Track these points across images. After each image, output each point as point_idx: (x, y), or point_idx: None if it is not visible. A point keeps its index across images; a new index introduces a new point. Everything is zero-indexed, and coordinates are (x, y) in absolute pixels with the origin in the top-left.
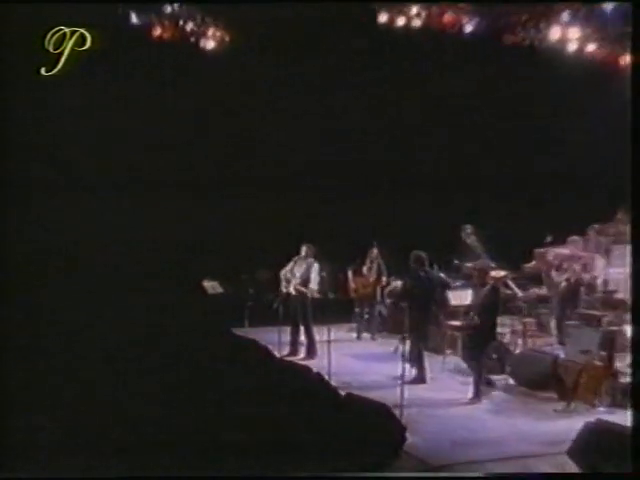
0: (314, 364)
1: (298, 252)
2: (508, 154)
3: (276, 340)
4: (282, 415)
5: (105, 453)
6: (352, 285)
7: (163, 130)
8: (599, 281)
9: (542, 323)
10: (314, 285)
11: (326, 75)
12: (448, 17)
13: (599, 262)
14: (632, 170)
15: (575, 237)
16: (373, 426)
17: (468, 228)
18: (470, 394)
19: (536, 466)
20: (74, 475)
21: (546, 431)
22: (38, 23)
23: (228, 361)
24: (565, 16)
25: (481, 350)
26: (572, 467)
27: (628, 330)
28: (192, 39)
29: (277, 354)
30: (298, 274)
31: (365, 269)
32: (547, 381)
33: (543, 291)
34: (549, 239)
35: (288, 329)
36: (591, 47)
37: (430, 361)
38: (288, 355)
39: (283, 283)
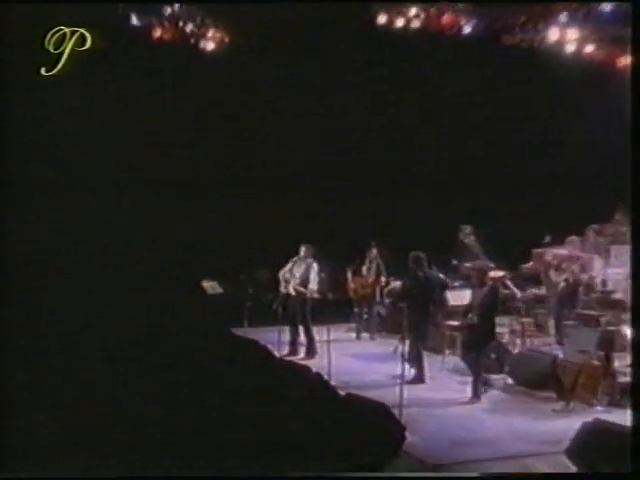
0: (313, 364)
1: (297, 252)
2: (506, 155)
3: (275, 340)
4: (282, 415)
5: (105, 453)
6: (351, 285)
7: (163, 130)
8: (597, 281)
9: (540, 323)
10: (313, 285)
11: (325, 76)
12: (447, 18)
13: (597, 262)
14: (632, 170)
15: (573, 237)
16: (372, 425)
17: (466, 228)
18: (469, 394)
19: (534, 465)
20: (74, 475)
21: (544, 430)
22: (38, 23)
23: (228, 361)
24: (563, 17)
25: (480, 350)
26: (570, 466)
27: (626, 330)
28: (192, 40)
29: (277, 354)
30: (297, 274)
31: (364, 269)
32: (545, 381)
33: (541, 291)
34: (547, 239)
35: (287, 329)
36: (589, 48)
37: (429, 361)
38: (288, 355)
39: (282, 284)
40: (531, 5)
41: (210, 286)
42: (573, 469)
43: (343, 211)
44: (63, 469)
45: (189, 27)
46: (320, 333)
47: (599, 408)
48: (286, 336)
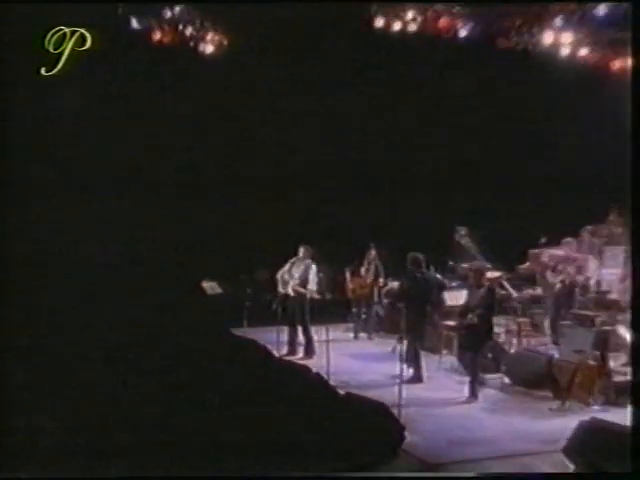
0: (313, 364)
1: (296, 253)
2: (502, 156)
3: (275, 340)
4: (281, 415)
5: (105, 453)
6: (350, 286)
7: (163, 130)
8: (592, 282)
9: (536, 323)
10: (312, 286)
11: (324, 77)
12: (443, 22)
13: (592, 263)
14: (632, 171)
15: (569, 238)
16: (372, 425)
17: (461, 230)
18: (466, 393)
19: (532, 464)
20: (74, 475)
21: (541, 429)
22: (38, 23)
23: (227, 361)
24: (558, 20)
25: (477, 350)
26: (567, 465)
27: (621, 330)
28: (191, 43)
29: (276, 354)
30: (296, 275)
31: (363, 270)
32: (542, 380)
33: (537, 291)
34: (543, 240)
35: (286, 329)
36: (584, 51)
37: (427, 360)
38: (287, 355)
39: (280, 284)
40: (527, 8)
41: (210, 286)
42: (571, 467)
43: (342, 212)
44: (63, 469)
45: (188, 30)
46: (319, 333)
47: (595, 407)
48: (285, 336)
